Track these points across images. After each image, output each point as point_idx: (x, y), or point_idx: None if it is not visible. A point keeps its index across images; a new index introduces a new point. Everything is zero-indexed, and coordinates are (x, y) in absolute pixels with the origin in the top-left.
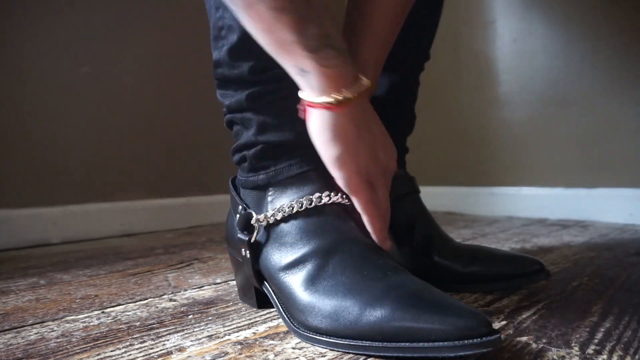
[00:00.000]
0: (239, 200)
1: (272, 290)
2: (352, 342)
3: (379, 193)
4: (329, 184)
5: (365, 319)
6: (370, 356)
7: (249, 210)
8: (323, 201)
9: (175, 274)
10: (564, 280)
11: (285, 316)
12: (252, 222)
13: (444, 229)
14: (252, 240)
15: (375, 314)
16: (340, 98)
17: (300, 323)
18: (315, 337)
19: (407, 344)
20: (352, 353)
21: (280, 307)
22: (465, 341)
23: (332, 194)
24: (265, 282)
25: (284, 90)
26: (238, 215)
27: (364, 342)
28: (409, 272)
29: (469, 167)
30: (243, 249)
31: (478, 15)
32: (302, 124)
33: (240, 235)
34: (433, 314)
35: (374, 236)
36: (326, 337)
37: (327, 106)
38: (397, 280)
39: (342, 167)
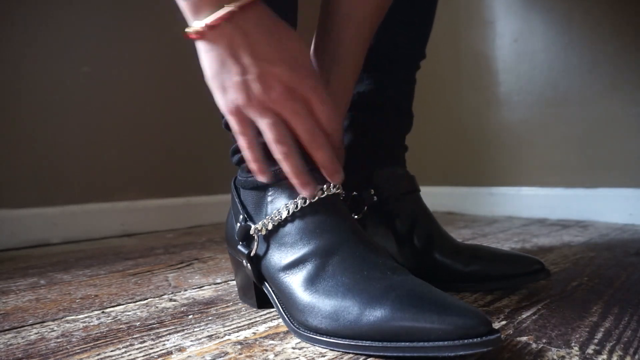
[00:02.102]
0: (241, 208)
1: (272, 291)
2: (352, 342)
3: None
4: (323, 181)
5: (365, 319)
6: (370, 356)
7: (249, 223)
8: (317, 197)
9: (175, 274)
10: (564, 280)
11: (285, 316)
12: (251, 232)
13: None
14: (252, 254)
15: (375, 314)
16: (197, 28)
17: (300, 323)
18: (315, 337)
19: (407, 343)
20: (352, 353)
21: (280, 307)
22: (465, 340)
23: (324, 187)
24: (266, 282)
25: None
26: (238, 225)
27: (364, 342)
28: (408, 271)
29: (469, 167)
30: (244, 260)
31: (478, 15)
32: None
33: (240, 248)
34: (433, 314)
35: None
36: (326, 337)
37: (194, 36)
38: (397, 280)
39: (221, 108)
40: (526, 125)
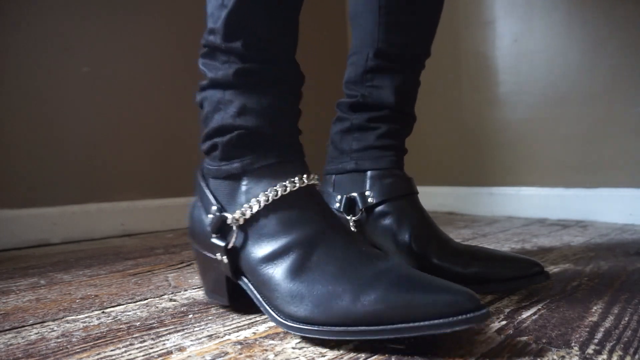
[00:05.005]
0: (212, 199)
1: (252, 284)
2: (349, 329)
3: None
4: (303, 171)
5: (360, 303)
6: (367, 341)
7: (224, 213)
8: (297, 185)
9: (175, 274)
10: (564, 280)
11: (269, 310)
12: (228, 222)
13: (444, 229)
14: (230, 245)
15: (369, 298)
16: None
17: (288, 315)
18: (305, 327)
19: (404, 324)
20: (349, 339)
21: (262, 301)
22: (460, 317)
23: (304, 176)
24: (244, 277)
25: (274, 76)
26: (211, 217)
27: (359, 327)
28: (391, 258)
29: (469, 167)
30: (219, 254)
31: (478, 15)
32: (282, 115)
33: (215, 240)
34: (426, 294)
35: None
36: (317, 327)
37: None
38: (385, 265)
39: None
40: (526, 125)
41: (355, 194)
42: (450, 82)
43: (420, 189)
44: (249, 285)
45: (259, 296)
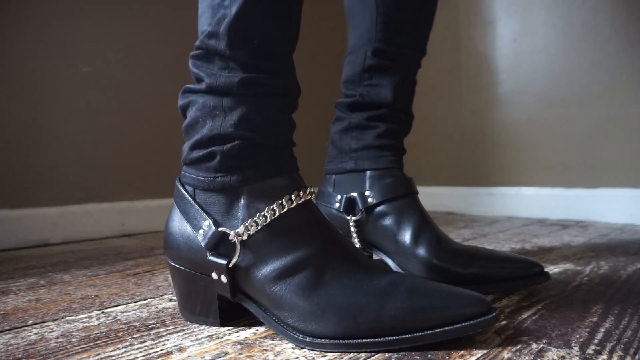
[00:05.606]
0: (204, 213)
1: (259, 304)
2: (378, 340)
3: None
4: (303, 184)
5: (387, 313)
6: (397, 350)
7: (222, 229)
8: (302, 199)
9: None
10: (564, 280)
11: (284, 329)
12: (231, 238)
13: (444, 229)
14: (232, 264)
15: (395, 306)
16: None
17: (308, 333)
18: (330, 342)
19: (432, 330)
20: (377, 351)
21: (273, 320)
22: (480, 318)
23: (300, 192)
24: (245, 297)
25: (277, 87)
26: (202, 232)
27: (388, 337)
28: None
29: (469, 167)
30: (216, 274)
31: (478, 15)
32: (282, 127)
33: (213, 258)
34: (445, 300)
35: None
36: (344, 341)
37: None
38: (392, 275)
39: None
40: (526, 125)
41: (355, 194)
42: (450, 82)
43: (420, 189)
44: (254, 305)
45: (267, 316)
